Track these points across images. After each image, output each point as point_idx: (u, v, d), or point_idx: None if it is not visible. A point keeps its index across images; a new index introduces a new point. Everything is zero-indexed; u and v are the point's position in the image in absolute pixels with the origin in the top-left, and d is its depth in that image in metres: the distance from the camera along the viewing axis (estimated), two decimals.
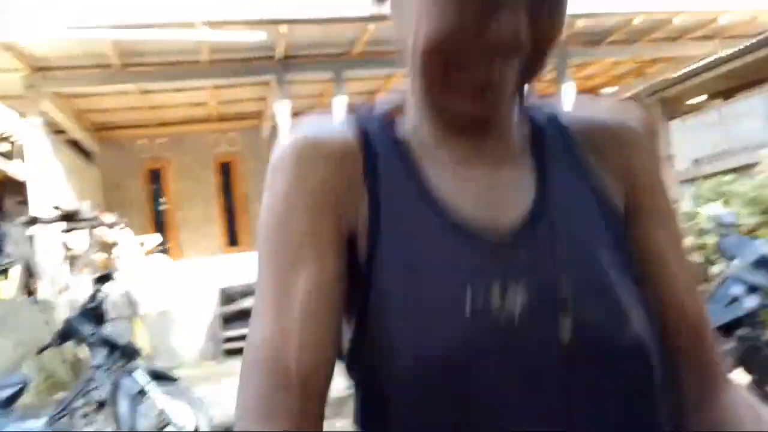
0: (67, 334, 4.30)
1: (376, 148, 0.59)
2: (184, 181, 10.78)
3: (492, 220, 0.55)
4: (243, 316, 7.98)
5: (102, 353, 4.20)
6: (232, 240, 10.92)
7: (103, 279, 4.39)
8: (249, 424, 0.49)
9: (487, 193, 0.57)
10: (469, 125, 0.58)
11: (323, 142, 0.57)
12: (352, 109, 0.64)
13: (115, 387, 4.12)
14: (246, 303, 8.01)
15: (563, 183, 0.59)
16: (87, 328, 4.21)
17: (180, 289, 8.01)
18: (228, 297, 8.00)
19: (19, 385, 4.05)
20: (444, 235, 0.54)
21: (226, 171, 11.00)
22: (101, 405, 4.10)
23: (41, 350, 4.62)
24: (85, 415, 4.03)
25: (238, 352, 7.71)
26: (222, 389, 5.84)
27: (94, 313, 4.26)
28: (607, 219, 0.58)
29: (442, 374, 0.49)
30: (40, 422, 3.96)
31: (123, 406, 4.08)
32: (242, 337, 7.74)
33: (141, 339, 6.65)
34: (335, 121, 0.62)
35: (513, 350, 0.50)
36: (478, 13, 0.50)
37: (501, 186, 0.58)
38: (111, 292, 4.87)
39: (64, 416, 3.99)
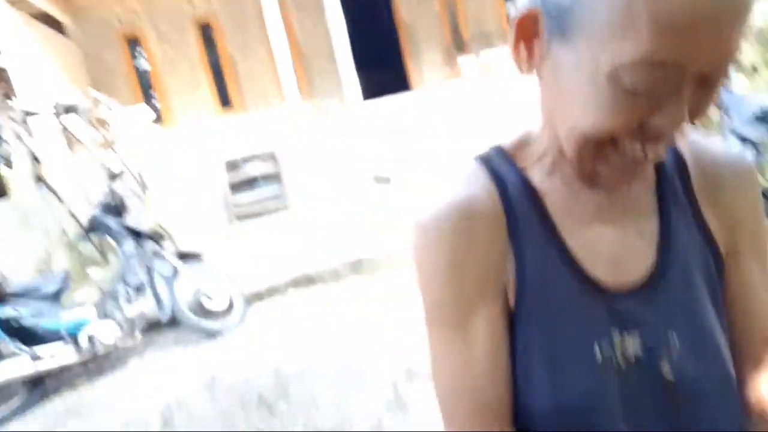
0: (93, 227, 4.54)
1: (515, 203, 0.64)
2: (163, 46, 10.36)
3: (619, 274, 0.63)
4: (248, 183, 8.21)
5: (130, 242, 4.47)
6: (224, 101, 10.77)
7: (115, 177, 4.51)
8: None
9: (616, 249, 0.64)
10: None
11: (474, 210, 0.63)
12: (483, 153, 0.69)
13: (149, 271, 4.44)
14: (248, 169, 8.20)
15: (681, 232, 0.65)
16: (112, 222, 4.44)
17: (184, 158, 8.13)
18: (232, 165, 8.16)
19: (64, 281, 4.37)
20: (579, 292, 0.62)
21: (207, 33, 10.50)
22: (139, 289, 4.43)
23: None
24: (127, 298, 4.38)
25: (247, 216, 8.07)
26: (243, 250, 6.25)
27: (114, 208, 4.45)
28: (711, 258, 0.66)
29: (576, 415, 0.61)
30: (88, 309, 4.34)
31: (160, 287, 4.42)
32: (249, 204, 8.05)
33: (156, 214, 6.92)
34: (473, 172, 0.67)
35: (628, 389, 0.61)
36: (641, 115, 0.52)
37: (629, 236, 0.65)
38: (123, 180, 5.00)
39: (107, 303, 4.35)
